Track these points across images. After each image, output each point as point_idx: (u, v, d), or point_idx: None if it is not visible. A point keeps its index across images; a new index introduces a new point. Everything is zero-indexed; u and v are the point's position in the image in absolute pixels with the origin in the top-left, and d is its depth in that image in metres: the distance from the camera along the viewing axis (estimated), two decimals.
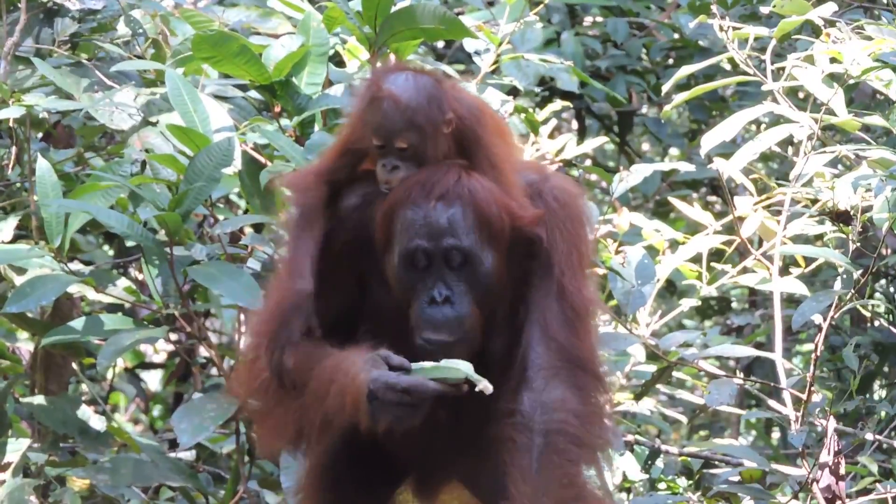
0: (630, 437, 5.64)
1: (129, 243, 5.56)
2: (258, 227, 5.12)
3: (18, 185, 5.45)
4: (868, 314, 6.16)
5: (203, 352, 6.86)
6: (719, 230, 5.72)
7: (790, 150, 6.34)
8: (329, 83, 5.22)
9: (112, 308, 5.39)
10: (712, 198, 8.57)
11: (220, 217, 5.12)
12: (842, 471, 5.06)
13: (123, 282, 5.93)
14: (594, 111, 8.13)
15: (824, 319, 5.22)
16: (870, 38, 5.30)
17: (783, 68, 5.40)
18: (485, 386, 3.58)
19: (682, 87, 6.41)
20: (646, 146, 9.62)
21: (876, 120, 5.29)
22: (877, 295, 6.53)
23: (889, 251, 5.64)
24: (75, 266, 4.90)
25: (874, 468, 5.20)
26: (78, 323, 4.89)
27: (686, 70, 5.69)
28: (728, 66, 6.82)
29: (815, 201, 5.32)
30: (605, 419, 3.77)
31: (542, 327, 3.76)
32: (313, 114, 5.04)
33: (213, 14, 5.54)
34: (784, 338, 5.56)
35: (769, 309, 6.83)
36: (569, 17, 7.98)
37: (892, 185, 5.01)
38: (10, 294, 4.72)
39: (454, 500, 4.12)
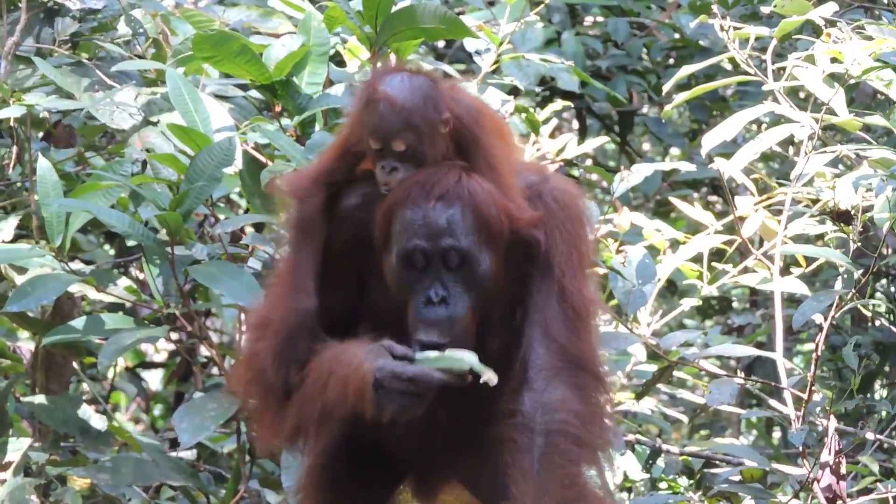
0: (631, 437, 5.64)
1: (130, 243, 5.55)
2: (259, 227, 5.13)
3: (19, 184, 5.46)
4: (869, 314, 6.16)
5: (204, 351, 6.86)
6: (720, 230, 5.72)
7: (791, 149, 6.35)
8: (330, 83, 5.23)
9: (113, 307, 5.40)
10: (713, 197, 8.57)
11: (221, 216, 5.12)
12: (842, 470, 5.07)
13: (124, 281, 5.93)
14: (595, 111, 8.13)
15: (825, 319, 5.22)
16: (870, 38, 5.30)
17: (784, 68, 5.40)
18: (489, 377, 3.58)
19: (682, 86, 6.42)
20: (646, 146, 9.62)
21: (876, 120, 5.29)
22: (877, 294, 6.53)
23: (890, 251, 5.64)
24: (76, 265, 4.91)
25: (875, 468, 5.20)
26: (79, 322, 4.89)
27: (687, 70, 5.69)
28: (729, 66, 6.83)
29: (815, 201, 5.31)
30: (605, 419, 3.77)
31: (542, 328, 3.76)
32: (314, 113, 5.05)
33: (213, 14, 5.54)
34: (785, 337, 5.57)
35: (770, 309, 6.83)
36: (569, 16, 7.98)
37: (893, 184, 5.01)
38: (11, 293, 4.72)
39: (454, 501, 4.12)
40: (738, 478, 5.43)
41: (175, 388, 7.98)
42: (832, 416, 5.13)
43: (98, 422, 5.39)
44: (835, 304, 5.17)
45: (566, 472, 3.64)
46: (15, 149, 5.36)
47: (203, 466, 6.25)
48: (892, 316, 6.23)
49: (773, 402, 5.81)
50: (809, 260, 5.66)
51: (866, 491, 5.27)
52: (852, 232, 5.15)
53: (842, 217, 5.20)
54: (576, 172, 6.18)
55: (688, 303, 6.04)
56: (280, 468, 4.87)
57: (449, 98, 3.81)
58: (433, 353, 3.62)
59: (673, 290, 7.76)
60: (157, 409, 8.80)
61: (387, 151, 3.78)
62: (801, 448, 5.18)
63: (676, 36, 7.97)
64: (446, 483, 4.11)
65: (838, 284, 5.25)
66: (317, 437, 3.89)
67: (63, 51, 5.34)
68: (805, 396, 5.22)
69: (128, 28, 5.36)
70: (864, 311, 5.92)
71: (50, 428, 5.38)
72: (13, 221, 5.13)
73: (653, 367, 5.79)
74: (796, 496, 5.22)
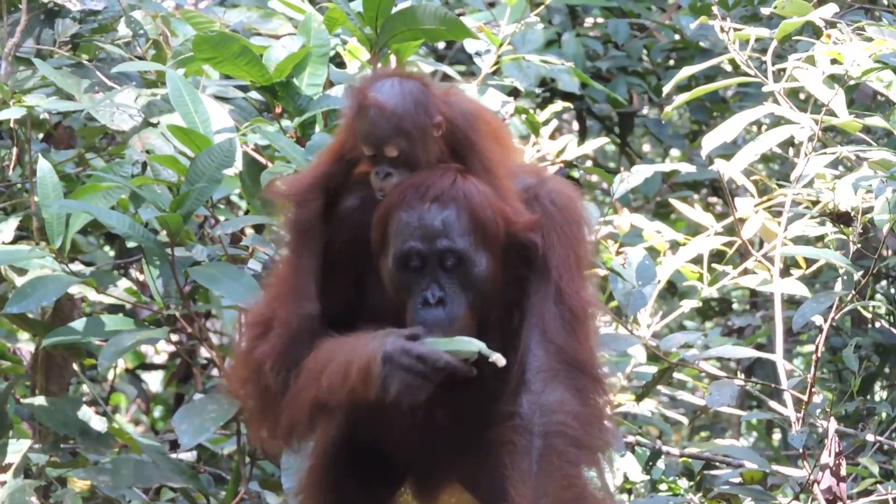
0: (631, 439, 5.64)
1: (130, 244, 5.55)
2: (259, 228, 5.13)
3: (19, 185, 5.46)
4: (869, 315, 6.16)
5: (204, 353, 6.87)
6: (720, 231, 5.72)
7: (791, 151, 6.35)
8: (330, 84, 5.23)
9: (113, 309, 5.40)
10: (713, 199, 8.57)
11: (221, 218, 5.12)
12: (843, 472, 5.07)
13: (124, 283, 5.92)
14: (595, 112, 8.12)
15: (825, 321, 5.22)
16: (870, 40, 5.30)
17: (784, 69, 5.40)
18: (497, 358, 3.62)
19: (682, 88, 6.42)
20: (647, 147, 9.61)
21: (876, 121, 5.29)
22: (877, 296, 6.52)
23: (890, 252, 5.64)
24: (76, 267, 4.91)
25: (875, 469, 5.20)
26: (79, 324, 4.89)
27: (687, 71, 5.69)
28: (729, 68, 6.81)
29: (815, 202, 5.32)
30: (604, 420, 3.78)
31: (540, 330, 3.77)
32: (314, 115, 5.05)
33: (213, 15, 5.54)
34: (785, 339, 5.57)
35: (770, 310, 6.83)
36: (570, 18, 7.98)
37: (893, 186, 5.01)
38: (11, 295, 4.73)
39: (454, 502, 4.12)
40: (738, 479, 5.43)
41: (175, 390, 7.98)
42: (832, 418, 5.13)
43: (98, 423, 5.39)
44: (835, 306, 5.17)
45: (564, 474, 3.64)
46: (15, 150, 5.36)
47: (203, 468, 6.25)
48: (892, 317, 6.22)
49: (773, 404, 5.81)
50: (809, 261, 5.66)
51: (866, 493, 5.26)
52: (852, 233, 5.15)
53: (842, 218, 5.20)
54: (576, 174, 6.18)
55: (688, 304, 6.04)
56: (280, 470, 4.86)
57: (441, 101, 3.82)
58: (442, 339, 3.65)
59: (673, 291, 7.76)
60: (157, 411, 8.80)
61: (380, 157, 3.79)
62: (801, 450, 5.18)
63: (677, 37, 7.97)
64: (447, 484, 4.11)
65: (838, 286, 5.25)
66: (309, 431, 3.88)
67: (63, 52, 5.34)
68: (805, 398, 5.22)
69: (128, 29, 5.36)
70: (864, 313, 5.92)
71: (50, 429, 5.38)
72: (13, 223, 5.13)
73: (653, 369, 5.79)
74: (796, 498, 5.22)
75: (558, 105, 6.52)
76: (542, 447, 3.66)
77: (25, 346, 6.24)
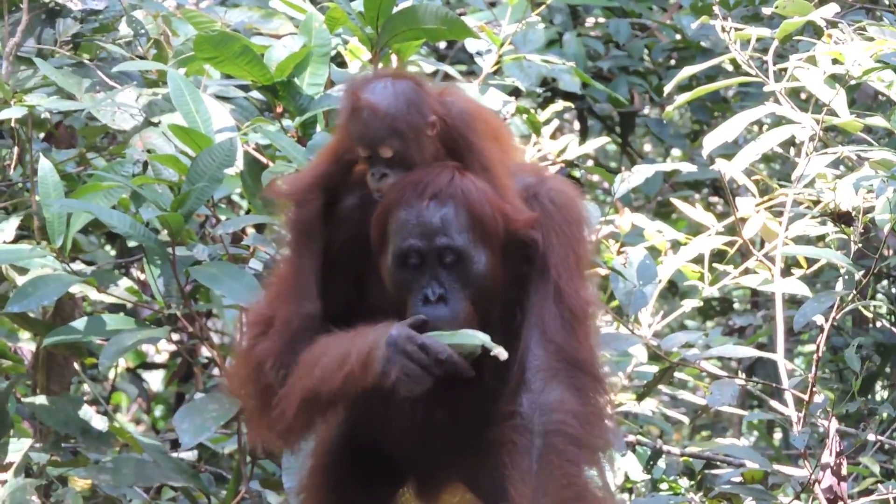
0: (632, 438, 5.64)
1: (131, 243, 5.56)
2: (260, 228, 5.13)
3: (20, 185, 5.46)
4: (870, 315, 6.16)
5: (205, 352, 6.86)
6: (721, 231, 5.73)
7: (792, 150, 6.34)
8: (331, 84, 5.23)
9: (114, 308, 5.40)
10: (714, 199, 8.57)
11: (222, 217, 5.12)
12: (844, 472, 5.07)
13: (125, 282, 5.92)
14: (596, 112, 8.12)
15: (826, 320, 5.22)
16: (871, 39, 5.30)
17: (785, 69, 5.40)
18: (500, 352, 3.63)
19: (683, 87, 6.42)
20: (648, 147, 9.61)
21: (877, 121, 5.29)
22: (878, 296, 6.53)
23: (891, 252, 5.64)
24: (77, 266, 4.91)
25: (876, 469, 5.20)
26: (80, 323, 4.89)
27: (688, 71, 5.69)
28: (730, 67, 6.82)
29: (816, 202, 5.32)
30: (604, 419, 3.78)
31: (540, 329, 3.77)
32: (315, 114, 5.05)
33: (215, 15, 5.54)
34: (786, 339, 5.56)
35: (771, 310, 6.83)
36: (571, 17, 7.98)
37: (894, 186, 5.01)
38: (12, 294, 4.72)
39: (455, 501, 4.12)
40: (739, 479, 5.43)
41: (176, 389, 7.98)
42: (833, 418, 5.13)
43: (99, 422, 5.39)
44: (836, 306, 5.17)
45: (564, 473, 3.65)
46: (16, 149, 5.36)
47: (204, 467, 6.25)
48: (893, 317, 6.23)
49: (774, 404, 5.81)
50: (810, 261, 5.66)
51: (867, 492, 5.27)
52: (853, 233, 5.15)
53: (843, 218, 5.20)
54: (577, 173, 6.18)
55: (689, 304, 6.04)
56: (281, 469, 4.87)
57: (435, 101, 3.82)
58: (446, 332, 3.66)
59: (674, 291, 7.76)
60: (158, 410, 8.80)
61: (375, 158, 3.81)
62: (802, 449, 5.18)
63: (678, 37, 7.96)
64: (448, 484, 4.11)
65: (839, 286, 5.25)
66: (302, 426, 3.87)
67: (64, 52, 5.34)
68: (806, 398, 5.22)
69: (129, 29, 5.36)
70: (866, 313, 5.92)
71: (51, 429, 5.38)
72: (14, 222, 5.13)
73: (654, 368, 5.79)
74: (797, 498, 5.22)
75: (559, 105, 6.53)
76: (542, 446, 3.66)
77: (26, 345, 6.24)
